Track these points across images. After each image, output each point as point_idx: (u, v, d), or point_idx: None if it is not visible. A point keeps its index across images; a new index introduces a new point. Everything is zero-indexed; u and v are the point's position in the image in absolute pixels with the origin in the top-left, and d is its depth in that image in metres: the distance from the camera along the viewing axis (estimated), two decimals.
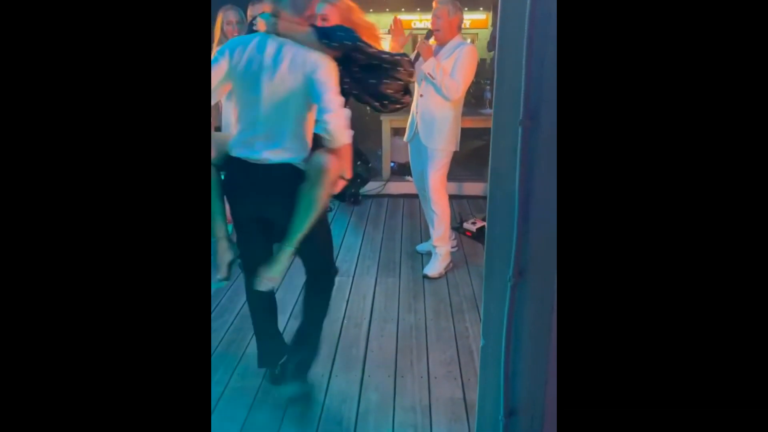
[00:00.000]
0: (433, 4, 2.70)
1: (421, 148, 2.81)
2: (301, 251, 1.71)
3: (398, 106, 1.74)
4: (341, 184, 1.70)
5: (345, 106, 1.61)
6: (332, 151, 1.59)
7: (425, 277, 2.88)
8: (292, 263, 1.76)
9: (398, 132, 4.30)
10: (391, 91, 1.69)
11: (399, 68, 1.68)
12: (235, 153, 1.67)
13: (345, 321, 2.45)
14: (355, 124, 3.31)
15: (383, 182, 4.25)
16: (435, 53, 2.69)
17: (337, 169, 1.60)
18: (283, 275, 1.68)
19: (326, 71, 1.58)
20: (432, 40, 2.72)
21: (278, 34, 1.60)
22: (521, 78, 0.87)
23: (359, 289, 2.76)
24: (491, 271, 0.99)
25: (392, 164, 4.29)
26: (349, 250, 3.25)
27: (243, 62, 1.61)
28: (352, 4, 1.82)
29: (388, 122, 4.22)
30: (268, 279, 1.66)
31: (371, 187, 4.24)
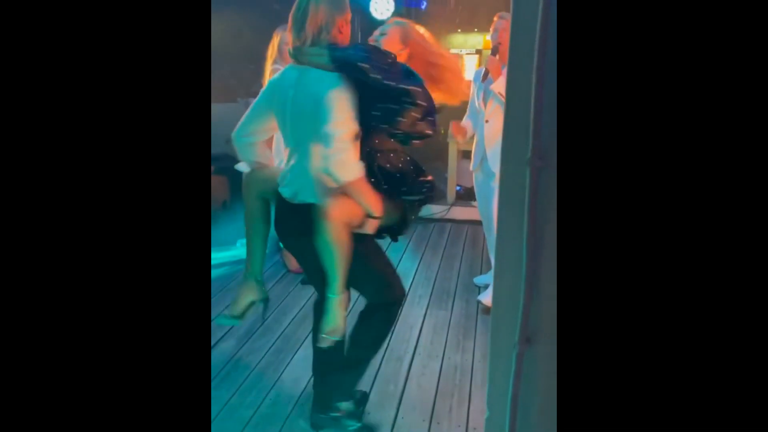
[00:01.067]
0: (495, 17, 2.52)
1: (489, 175, 2.64)
2: (356, 286, 1.65)
3: (416, 141, 1.55)
4: (373, 223, 1.56)
5: (359, 138, 1.45)
6: (339, 193, 1.44)
7: (479, 303, 2.71)
8: (350, 306, 1.68)
9: (466, 155, 4.14)
10: (404, 126, 1.47)
11: (407, 99, 1.44)
12: (279, 189, 1.61)
13: (386, 353, 2.34)
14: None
15: (447, 206, 4.11)
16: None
17: (345, 213, 1.44)
18: (344, 323, 1.57)
19: (331, 96, 1.39)
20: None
21: (301, 62, 1.50)
22: (530, 111, 0.74)
23: (407, 320, 2.64)
24: (497, 334, 0.85)
25: (458, 188, 4.14)
26: (402, 276, 3.13)
27: (276, 98, 1.57)
28: (420, 33, 1.64)
29: (455, 144, 4.09)
30: (328, 334, 1.54)
31: (434, 210, 4.12)
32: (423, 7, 4.06)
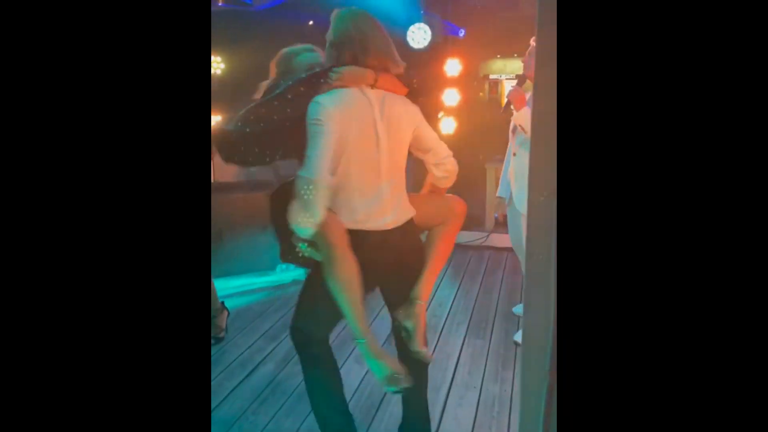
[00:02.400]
0: (531, 42, 2.39)
1: (516, 211, 2.55)
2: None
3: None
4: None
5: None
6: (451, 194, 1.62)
7: (516, 344, 2.62)
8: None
9: None
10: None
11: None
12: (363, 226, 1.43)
13: None
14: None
15: (486, 234, 4.06)
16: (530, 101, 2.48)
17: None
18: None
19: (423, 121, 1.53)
20: (527, 86, 2.43)
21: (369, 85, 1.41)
22: (554, 142, 0.75)
23: (444, 349, 2.60)
24: (528, 366, 0.84)
25: (495, 215, 4.09)
26: (440, 305, 3.12)
27: (351, 122, 1.39)
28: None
29: (493, 170, 4.08)
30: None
31: (473, 237, 4.08)
32: (461, 35, 4.11)
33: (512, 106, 2.41)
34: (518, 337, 2.64)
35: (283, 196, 1.46)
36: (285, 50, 1.65)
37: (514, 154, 2.51)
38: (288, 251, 1.53)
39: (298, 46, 1.65)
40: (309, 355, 1.62)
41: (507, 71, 5.49)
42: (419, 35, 3.90)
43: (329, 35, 1.48)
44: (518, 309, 2.96)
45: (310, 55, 1.61)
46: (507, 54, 5.09)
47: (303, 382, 2.28)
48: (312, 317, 1.58)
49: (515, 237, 2.72)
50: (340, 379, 1.66)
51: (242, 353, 2.56)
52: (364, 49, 1.43)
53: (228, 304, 2.86)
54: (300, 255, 1.46)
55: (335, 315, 1.46)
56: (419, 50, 3.89)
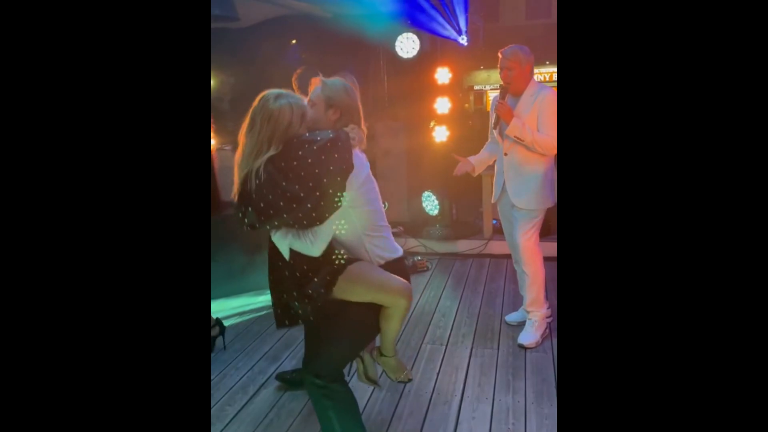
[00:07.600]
0: (499, 55, 2.47)
1: (511, 205, 2.59)
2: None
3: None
4: None
5: None
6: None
7: (520, 346, 2.58)
8: None
9: None
10: None
11: None
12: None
13: (434, 396, 2.23)
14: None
15: (484, 241, 4.01)
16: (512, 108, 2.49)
17: None
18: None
19: None
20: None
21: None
22: None
23: (452, 360, 2.53)
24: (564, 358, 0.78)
25: (494, 222, 4.05)
26: (444, 315, 3.05)
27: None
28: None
29: (488, 177, 4.04)
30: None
31: (472, 246, 4.03)
32: (462, 43, 4.00)
33: (502, 121, 2.49)
34: (522, 339, 2.60)
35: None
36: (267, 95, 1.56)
37: (506, 154, 2.59)
38: (283, 315, 1.66)
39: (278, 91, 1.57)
40: (332, 393, 1.61)
41: (491, 82, 5.53)
42: (408, 45, 3.89)
43: (322, 97, 1.62)
44: (512, 317, 2.89)
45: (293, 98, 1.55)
46: (491, 65, 5.12)
47: (308, 404, 2.20)
48: (337, 358, 1.66)
49: (508, 233, 2.74)
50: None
51: (243, 376, 2.46)
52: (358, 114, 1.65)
53: (226, 325, 2.76)
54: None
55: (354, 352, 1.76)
56: (408, 59, 3.87)
